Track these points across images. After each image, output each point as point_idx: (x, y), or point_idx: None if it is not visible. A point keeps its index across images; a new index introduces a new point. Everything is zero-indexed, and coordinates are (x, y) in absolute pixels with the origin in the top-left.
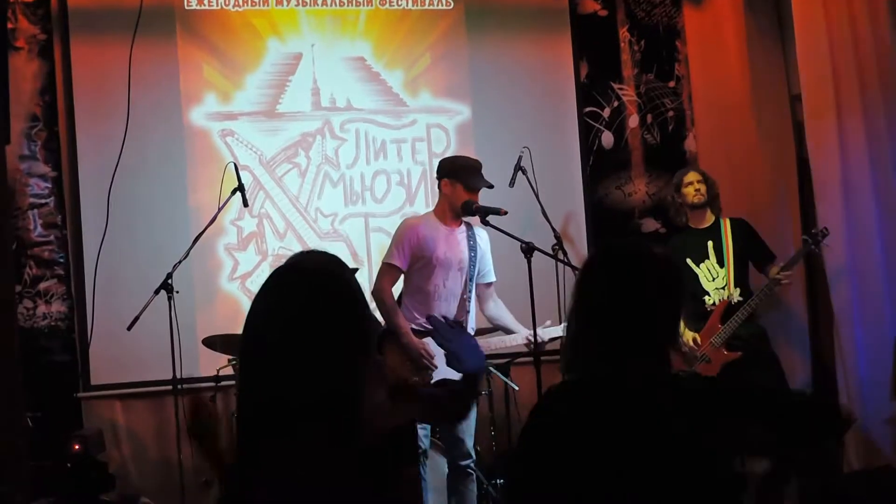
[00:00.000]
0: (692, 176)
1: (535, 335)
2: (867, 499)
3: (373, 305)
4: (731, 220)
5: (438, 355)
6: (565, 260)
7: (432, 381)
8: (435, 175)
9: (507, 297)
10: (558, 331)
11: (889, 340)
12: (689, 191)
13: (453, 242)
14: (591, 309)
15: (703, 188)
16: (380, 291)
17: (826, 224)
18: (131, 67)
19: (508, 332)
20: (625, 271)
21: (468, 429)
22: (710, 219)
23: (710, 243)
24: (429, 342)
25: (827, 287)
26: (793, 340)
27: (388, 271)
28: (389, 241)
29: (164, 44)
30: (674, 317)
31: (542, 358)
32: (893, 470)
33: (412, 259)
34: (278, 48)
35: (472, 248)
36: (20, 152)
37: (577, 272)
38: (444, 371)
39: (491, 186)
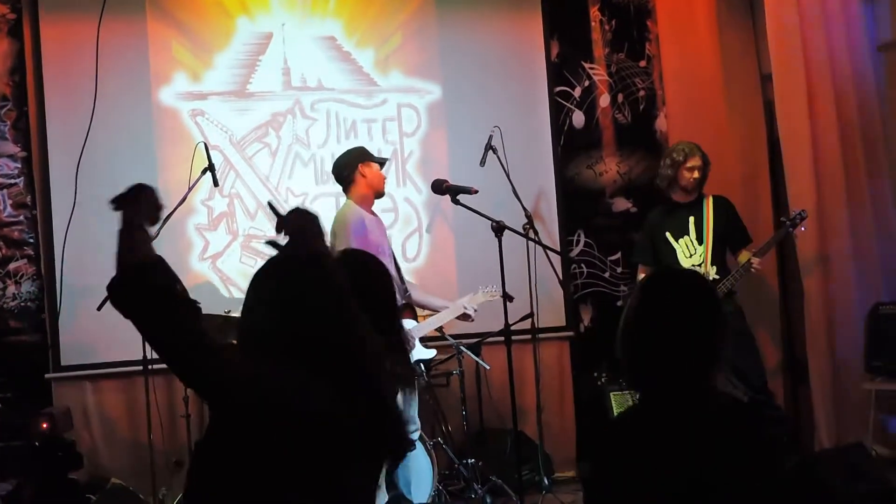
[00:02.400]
0: (696, 161)
1: (506, 317)
2: (839, 477)
3: None
4: (715, 197)
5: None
6: (536, 239)
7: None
8: (340, 172)
9: (477, 275)
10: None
11: (859, 319)
12: (689, 175)
13: (382, 229)
14: (658, 330)
15: (701, 174)
16: None
17: (797, 204)
18: (100, 47)
19: (427, 307)
20: (691, 297)
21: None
22: (693, 194)
23: (691, 219)
24: (406, 323)
25: (797, 266)
26: (764, 319)
27: None
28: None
29: (133, 23)
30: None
31: (513, 338)
32: (864, 448)
33: (361, 248)
34: (248, 27)
35: (385, 232)
36: None
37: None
38: (419, 352)
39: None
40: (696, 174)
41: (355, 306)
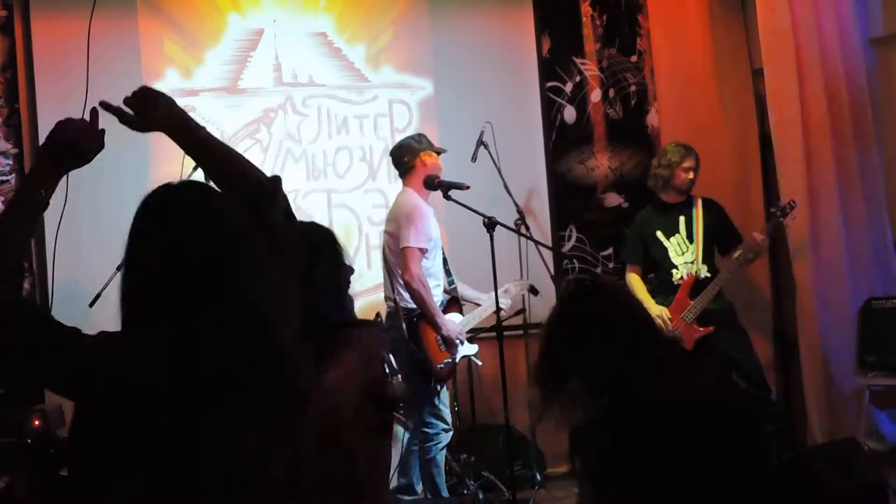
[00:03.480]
0: (691, 162)
1: (497, 308)
2: (831, 472)
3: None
4: (704, 199)
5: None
6: (528, 235)
7: (457, 359)
8: (401, 158)
9: (469, 271)
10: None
11: (851, 314)
12: (685, 176)
13: (434, 219)
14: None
15: (695, 174)
16: (419, 277)
17: (788, 198)
18: (90, 43)
19: (466, 299)
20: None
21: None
22: (682, 195)
23: (681, 219)
24: (455, 318)
25: (789, 261)
26: (756, 316)
27: (418, 255)
28: (351, 218)
29: (124, 19)
30: None
31: (505, 333)
32: (857, 443)
33: (427, 241)
34: (239, 23)
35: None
36: None
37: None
38: (466, 348)
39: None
40: (690, 175)
41: (260, 250)
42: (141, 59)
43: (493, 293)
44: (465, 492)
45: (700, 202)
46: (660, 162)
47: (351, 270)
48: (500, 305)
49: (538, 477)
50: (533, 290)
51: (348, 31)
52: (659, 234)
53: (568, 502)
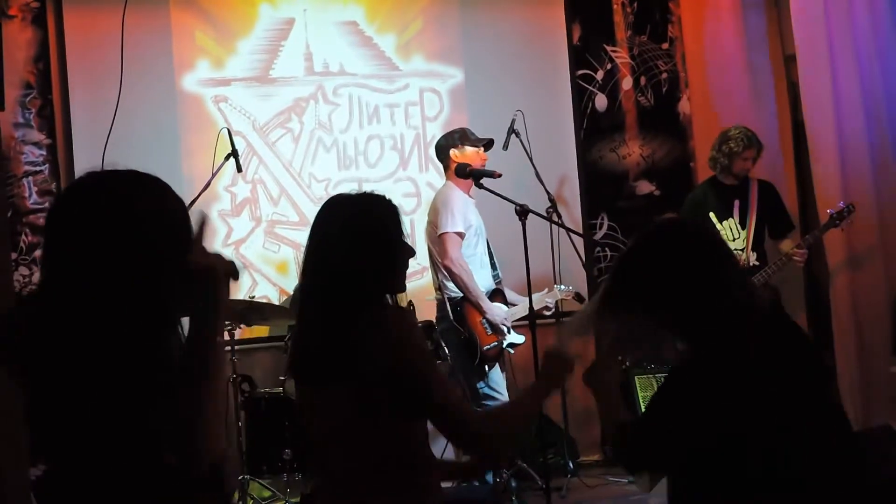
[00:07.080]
0: (752, 152)
1: (530, 297)
2: (866, 459)
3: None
4: (760, 181)
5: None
6: (560, 222)
7: (504, 345)
8: (438, 155)
9: (501, 259)
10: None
11: (886, 300)
12: (745, 165)
13: (476, 210)
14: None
15: (755, 163)
16: (458, 260)
17: (822, 187)
18: (124, 34)
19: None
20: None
21: None
22: (739, 179)
23: (736, 202)
24: (501, 307)
25: (823, 246)
26: (790, 306)
27: (456, 239)
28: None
29: (156, 10)
30: None
31: (537, 321)
32: (891, 429)
33: (465, 226)
34: (270, 13)
35: (478, 214)
36: (14, 120)
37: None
38: (511, 336)
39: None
40: (749, 164)
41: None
42: (173, 50)
43: (538, 294)
44: (498, 480)
45: (756, 185)
46: (721, 148)
47: (412, 252)
48: (548, 304)
49: (571, 465)
50: (578, 297)
51: (378, 20)
52: (712, 216)
53: (600, 490)
